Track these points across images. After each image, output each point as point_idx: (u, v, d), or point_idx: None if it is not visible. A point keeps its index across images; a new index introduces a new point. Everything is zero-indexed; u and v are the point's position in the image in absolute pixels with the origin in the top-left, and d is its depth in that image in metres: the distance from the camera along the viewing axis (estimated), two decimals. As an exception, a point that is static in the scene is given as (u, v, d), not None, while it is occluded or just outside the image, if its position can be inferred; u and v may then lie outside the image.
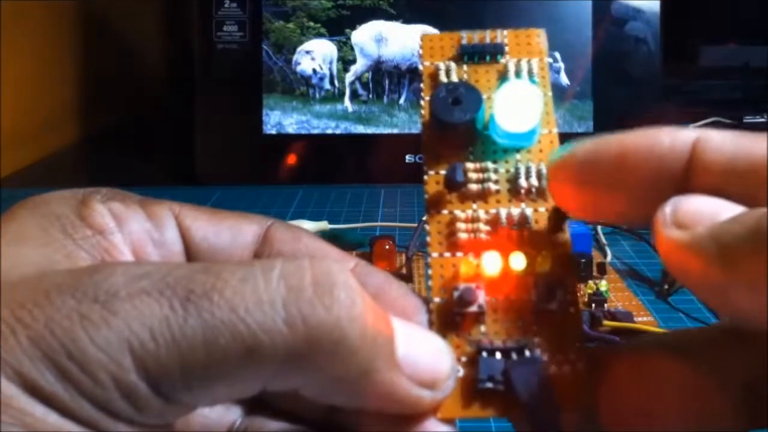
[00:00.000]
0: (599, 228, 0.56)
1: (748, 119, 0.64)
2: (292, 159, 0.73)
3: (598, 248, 0.54)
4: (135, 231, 0.20)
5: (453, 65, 0.22)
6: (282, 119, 0.73)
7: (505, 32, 0.23)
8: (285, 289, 0.16)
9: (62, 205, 0.19)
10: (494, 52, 0.22)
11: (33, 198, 0.19)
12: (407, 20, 0.73)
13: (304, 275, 0.16)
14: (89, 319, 0.15)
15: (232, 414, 0.21)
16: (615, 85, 0.73)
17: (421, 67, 0.22)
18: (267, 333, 0.15)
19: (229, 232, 0.21)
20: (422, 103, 0.22)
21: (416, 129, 0.73)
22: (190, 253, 0.21)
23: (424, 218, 0.21)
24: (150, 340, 0.15)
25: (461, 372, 0.19)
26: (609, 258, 0.53)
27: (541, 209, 0.20)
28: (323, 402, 0.18)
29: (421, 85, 0.22)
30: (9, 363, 0.15)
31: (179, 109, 0.85)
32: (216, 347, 0.15)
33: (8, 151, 0.76)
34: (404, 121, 0.73)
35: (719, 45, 1.02)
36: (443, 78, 0.22)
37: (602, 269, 0.48)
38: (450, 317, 0.19)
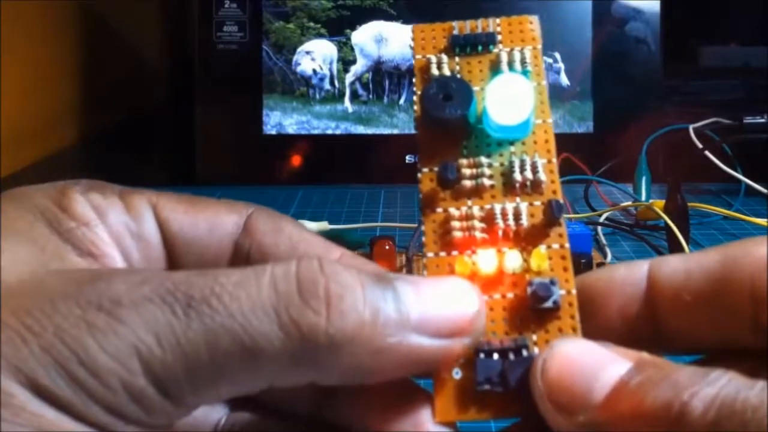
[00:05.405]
0: (599, 228, 0.56)
1: (748, 119, 0.64)
2: (292, 159, 0.73)
3: (598, 248, 0.54)
4: (114, 224, 0.20)
5: (445, 58, 0.22)
6: (282, 119, 0.73)
7: (498, 20, 0.22)
8: (275, 295, 0.16)
9: (43, 198, 0.20)
10: (486, 41, 0.22)
11: (14, 191, 0.20)
12: (407, 20, 0.73)
13: (292, 279, 0.17)
14: (97, 326, 0.16)
15: (218, 410, 0.21)
16: (615, 85, 0.73)
17: (412, 60, 0.22)
18: (264, 337, 0.16)
19: (206, 223, 0.21)
20: (414, 98, 0.21)
21: (416, 129, 0.73)
22: (169, 245, 0.21)
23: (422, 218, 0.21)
24: (156, 346, 0.16)
25: (459, 374, 0.19)
26: (609, 258, 0.53)
27: (537, 203, 0.20)
28: (348, 384, 0.18)
29: (413, 79, 0.22)
30: (21, 370, 0.15)
31: (179, 109, 0.85)
32: (218, 350, 0.16)
33: (8, 151, 0.76)
34: (404, 121, 0.73)
35: (719, 45, 1.01)
36: (435, 71, 0.22)
37: (602, 269, 0.48)
38: None
